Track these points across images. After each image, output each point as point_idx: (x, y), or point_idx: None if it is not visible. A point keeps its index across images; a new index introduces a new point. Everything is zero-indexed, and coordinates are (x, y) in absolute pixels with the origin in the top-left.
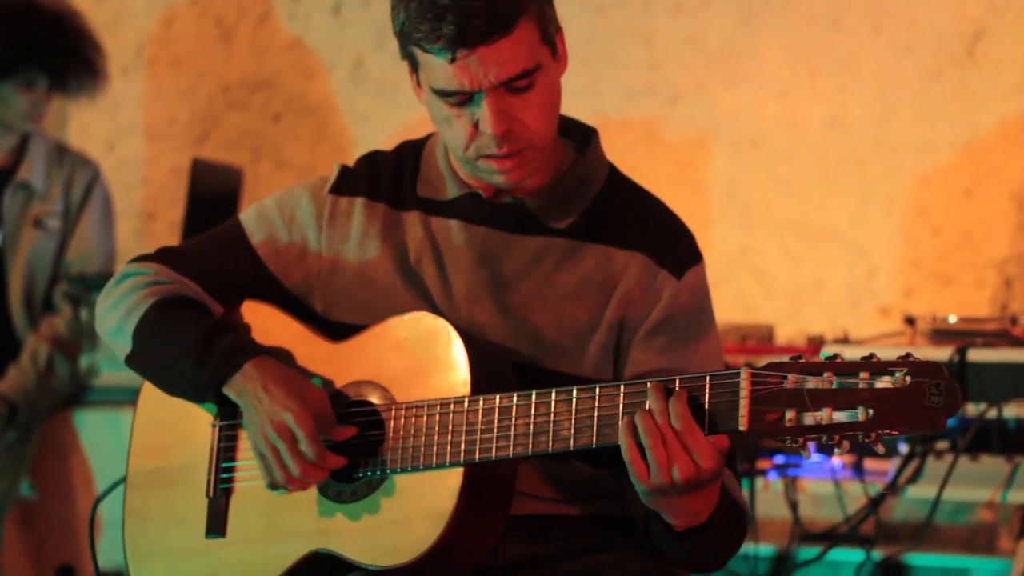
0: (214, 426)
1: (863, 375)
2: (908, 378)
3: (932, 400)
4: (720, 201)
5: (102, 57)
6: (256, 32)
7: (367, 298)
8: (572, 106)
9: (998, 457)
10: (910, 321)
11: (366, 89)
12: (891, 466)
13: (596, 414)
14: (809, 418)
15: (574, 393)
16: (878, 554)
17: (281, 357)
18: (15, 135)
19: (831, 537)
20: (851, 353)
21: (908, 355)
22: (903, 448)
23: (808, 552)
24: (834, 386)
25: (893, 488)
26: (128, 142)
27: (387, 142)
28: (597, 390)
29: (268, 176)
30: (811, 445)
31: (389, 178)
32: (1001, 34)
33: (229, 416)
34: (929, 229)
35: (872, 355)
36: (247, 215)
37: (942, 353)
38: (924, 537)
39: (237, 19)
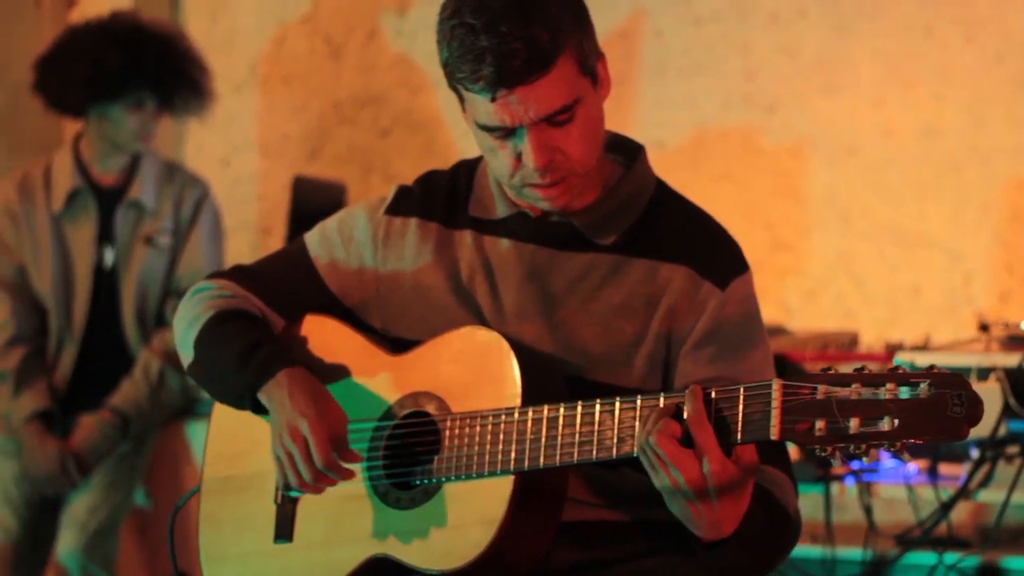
0: None
1: (889, 386)
2: (931, 389)
3: (954, 410)
4: (818, 209)
5: (208, 78)
6: (364, 49)
7: (422, 315)
8: (672, 117)
9: None
10: (984, 328)
11: None
12: (963, 471)
13: (637, 424)
14: (837, 428)
15: (617, 404)
16: (951, 556)
17: (343, 368)
18: (126, 155)
19: (931, 541)
20: (923, 360)
21: (932, 367)
22: (974, 453)
23: (916, 556)
24: (862, 397)
25: (964, 492)
26: (243, 159)
27: None
28: (638, 401)
29: (377, 190)
30: (839, 454)
31: (443, 198)
32: None
33: None
34: None
35: (898, 367)
36: (311, 236)
37: (1013, 359)
38: (994, 540)
39: (346, 37)
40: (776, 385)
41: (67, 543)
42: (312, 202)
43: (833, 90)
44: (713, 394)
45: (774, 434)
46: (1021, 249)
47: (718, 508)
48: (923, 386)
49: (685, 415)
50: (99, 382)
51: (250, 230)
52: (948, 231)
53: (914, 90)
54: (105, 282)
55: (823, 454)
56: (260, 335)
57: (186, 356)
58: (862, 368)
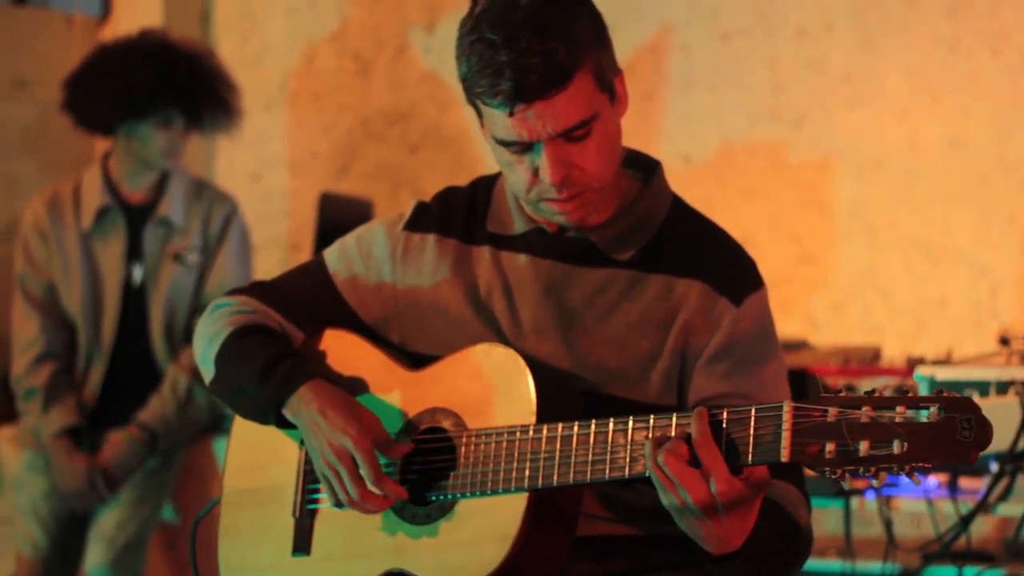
0: (302, 448)
1: (899, 409)
2: (941, 413)
3: (963, 434)
4: (844, 222)
5: (236, 95)
6: (393, 65)
7: (440, 330)
8: (699, 131)
9: None
10: (1004, 341)
11: None
12: (983, 484)
13: (647, 443)
14: (847, 451)
15: (630, 423)
16: (971, 569)
17: (362, 383)
18: (155, 173)
19: (951, 555)
20: (944, 374)
21: (941, 391)
22: (993, 467)
23: (939, 570)
24: (872, 420)
25: (984, 506)
26: (273, 175)
27: None
28: (651, 420)
29: (406, 206)
30: (849, 476)
31: (461, 214)
32: None
33: None
34: None
35: (908, 390)
36: (330, 252)
37: None
38: (1014, 553)
39: (375, 54)
40: (787, 407)
41: (95, 558)
42: (339, 218)
43: (859, 103)
44: (724, 415)
45: (784, 456)
46: None
47: (726, 524)
48: (933, 410)
49: (692, 436)
50: (127, 398)
51: (280, 246)
52: (974, 244)
53: (940, 103)
54: (134, 299)
55: (833, 476)
56: (280, 349)
57: (207, 372)
58: (873, 391)
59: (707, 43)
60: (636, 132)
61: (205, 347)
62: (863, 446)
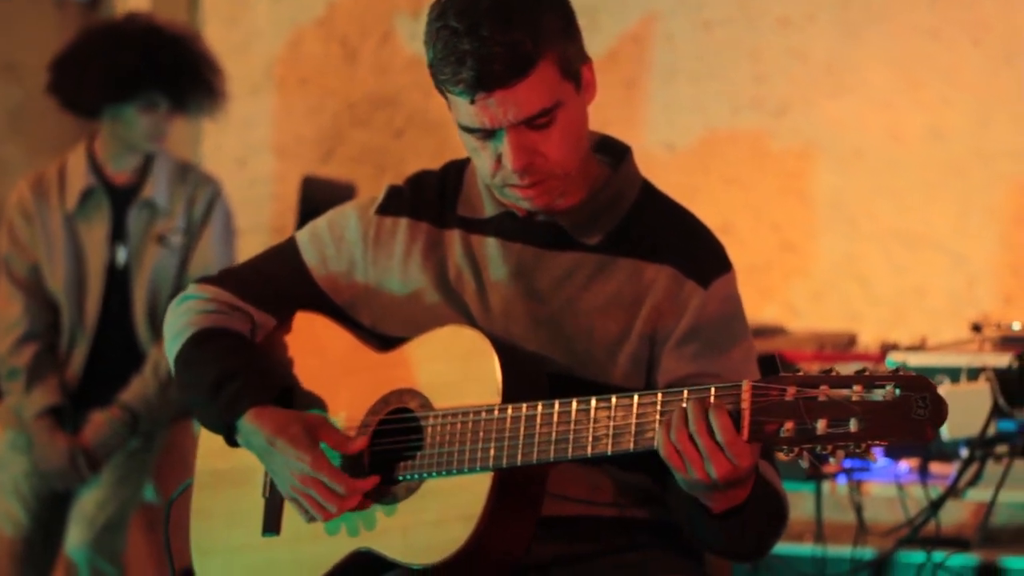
0: None
1: (856, 388)
2: (897, 391)
3: (918, 413)
4: (825, 211)
5: (221, 79)
6: (379, 51)
7: (411, 313)
8: (681, 120)
9: None
10: (977, 328)
11: None
12: (953, 470)
13: (612, 423)
14: (805, 429)
15: (592, 403)
16: (940, 554)
17: (331, 365)
18: (139, 155)
19: (921, 540)
20: (916, 360)
21: (898, 369)
22: (964, 452)
23: (905, 555)
24: (829, 399)
25: (953, 491)
26: (259, 160)
27: None
28: (613, 401)
29: None
30: (806, 455)
31: (433, 198)
32: None
33: None
34: None
35: (864, 369)
36: (302, 235)
37: (1004, 359)
38: (984, 539)
39: (361, 39)
40: (746, 386)
41: (75, 537)
42: (321, 202)
43: (841, 93)
44: (684, 395)
45: (743, 435)
46: None
47: (741, 487)
48: (889, 388)
49: (715, 430)
50: (110, 379)
51: (265, 230)
52: (953, 234)
53: (921, 93)
54: (117, 280)
55: (790, 455)
56: (233, 363)
57: (172, 369)
58: (830, 370)
59: (690, 33)
60: (619, 120)
61: (171, 341)
62: (820, 424)
